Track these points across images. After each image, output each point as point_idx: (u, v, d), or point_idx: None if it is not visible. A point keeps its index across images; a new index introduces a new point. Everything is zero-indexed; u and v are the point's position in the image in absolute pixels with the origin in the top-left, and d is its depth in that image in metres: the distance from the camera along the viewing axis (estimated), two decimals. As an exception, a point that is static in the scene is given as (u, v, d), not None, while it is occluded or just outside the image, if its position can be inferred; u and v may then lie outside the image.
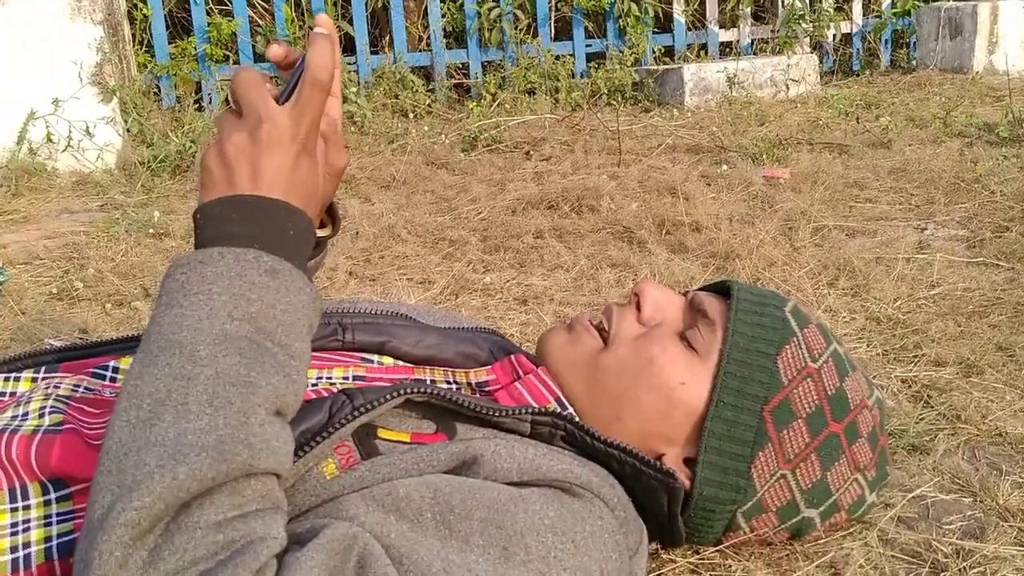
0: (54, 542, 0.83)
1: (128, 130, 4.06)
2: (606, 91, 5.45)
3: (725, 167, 3.51)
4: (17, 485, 0.86)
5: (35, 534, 0.84)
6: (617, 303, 1.11)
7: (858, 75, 6.31)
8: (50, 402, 0.97)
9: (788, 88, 5.32)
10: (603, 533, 0.88)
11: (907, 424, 1.53)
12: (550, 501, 0.87)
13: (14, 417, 0.96)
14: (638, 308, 1.08)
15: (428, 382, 1.02)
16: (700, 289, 1.16)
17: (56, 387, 1.02)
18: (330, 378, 1.02)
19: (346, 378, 1.02)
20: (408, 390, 0.91)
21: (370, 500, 0.82)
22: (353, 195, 3.41)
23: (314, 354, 1.05)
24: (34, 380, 1.06)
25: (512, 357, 1.05)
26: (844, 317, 2.01)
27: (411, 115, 5.15)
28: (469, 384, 1.04)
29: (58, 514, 0.85)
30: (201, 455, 0.67)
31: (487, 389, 1.03)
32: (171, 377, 0.72)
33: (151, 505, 0.65)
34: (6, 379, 1.12)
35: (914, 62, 6.35)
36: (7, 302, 2.48)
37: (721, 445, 1.01)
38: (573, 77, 5.75)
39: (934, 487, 1.36)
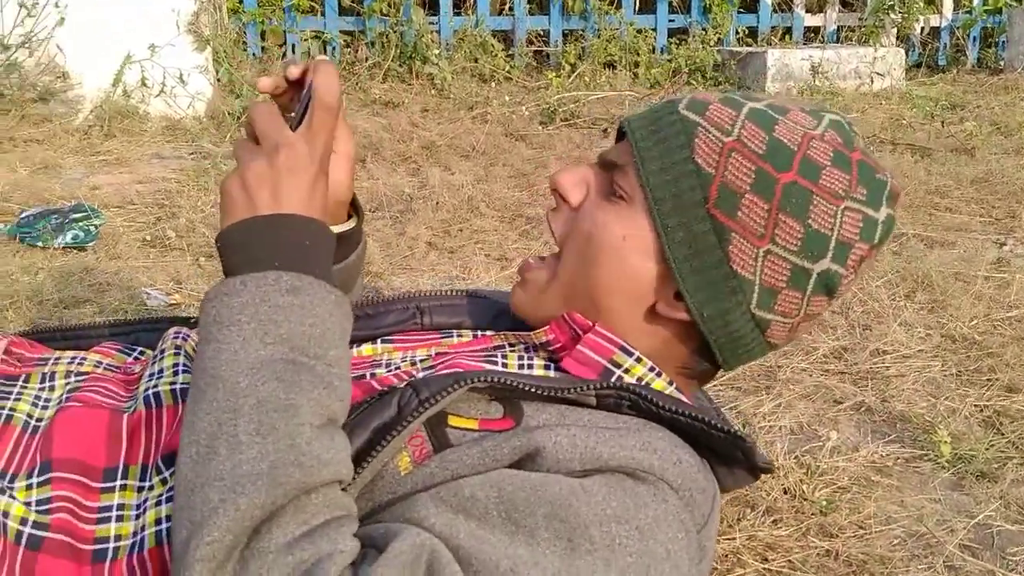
0: (163, 526, 0.87)
1: (219, 79, 4.16)
2: (687, 70, 5.42)
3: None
4: (151, 462, 0.92)
5: (149, 515, 0.88)
6: (550, 210, 1.08)
7: (944, 71, 6.18)
8: (182, 358, 1.03)
9: (872, 81, 5.24)
10: (667, 516, 0.89)
11: (977, 450, 1.56)
12: (613, 489, 0.88)
13: (151, 376, 1.02)
14: (565, 201, 1.05)
15: (501, 360, 1.04)
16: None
17: (186, 339, 1.07)
18: (414, 358, 1.06)
19: (429, 355, 1.06)
20: (470, 380, 0.91)
21: (439, 501, 0.85)
22: (434, 163, 3.46)
23: (396, 337, 1.11)
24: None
25: (565, 314, 1.02)
26: (920, 333, 2.03)
27: (490, 80, 5.18)
28: (537, 345, 1.05)
29: (168, 492, 0.89)
30: (257, 483, 0.73)
31: (551, 347, 1.03)
32: (219, 411, 0.77)
33: (221, 538, 0.71)
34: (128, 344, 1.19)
35: (1002, 63, 6.20)
36: (103, 245, 2.59)
37: (692, 264, 0.96)
38: (654, 52, 5.72)
39: (1000, 516, 1.39)
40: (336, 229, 1.05)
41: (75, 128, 3.68)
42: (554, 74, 5.16)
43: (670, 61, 5.53)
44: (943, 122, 4.16)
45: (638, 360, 0.99)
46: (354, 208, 1.10)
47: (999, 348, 1.94)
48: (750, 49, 5.55)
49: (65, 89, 3.78)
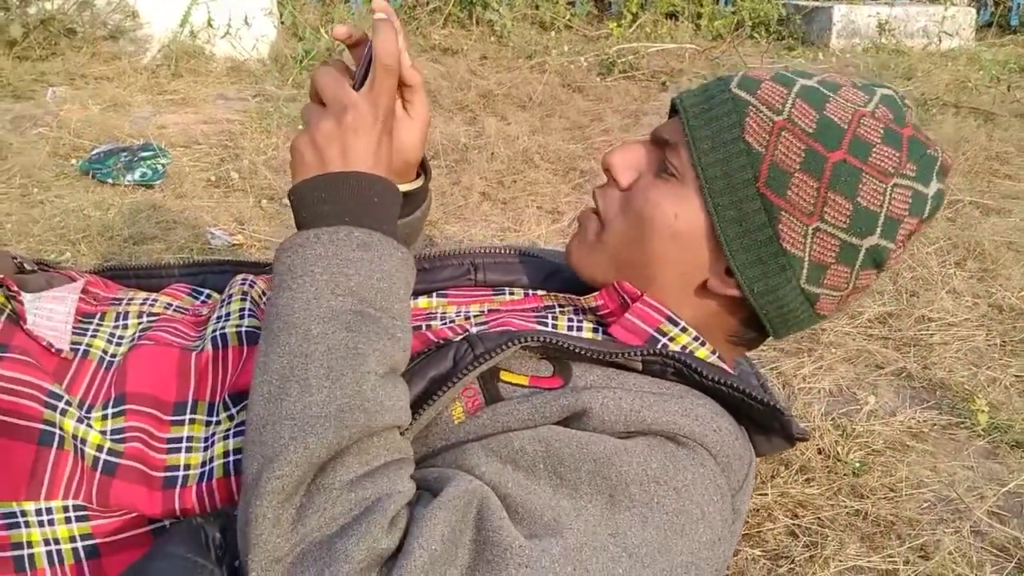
0: (231, 457, 0.95)
1: (282, 22, 4.21)
2: (750, 23, 5.35)
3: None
4: (217, 399, 0.99)
5: (217, 448, 0.96)
6: (598, 186, 1.11)
7: (1016, 32, 6.01)
8: (248, 304, 1.10)
9: (940, 41, 5.13)
10: (704, 480, 0.94)
11: (1014, 420, 1.58)
12: (654, 451, 0.93)
13: (219, 319, 1.09)
14: (615, 180, 1.09)
15: (551, 320, 1.08)
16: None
17: (252, 286, 1.14)
18: (468, 313, 1.12)
19: (482, 311, 1.11)
20: (523, 339, 0.96)
21: (489, 452, 0.91)
22: (490, 113, 3.50)
23: (451, 292, 1.17)
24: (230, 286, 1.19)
25: (616, 283, 1.07)
26: (967, 302, 2.04)
27: (550, 28, 5.16)
28: (586, 308, 1.08)
29: (236, 427, 0.97)
30: (325, 424, 0.79)
31: (600, 313, 1.07)
32: (291, 355, 0.84)
33: (290, 473, 0.78)
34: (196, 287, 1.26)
35: (1080, 25, 6.01)
36: (170, 183, 2.69)
37: (743, 242, 1.00)
38: (717, 3, 5.65)
39: (1031, 486, 1.42)
40: (404, 187, 1.10)
41: (143, 67, 3.77)
42: (615, 23, 5.13)
43: (734, 13, 5.45)
44: (1009, 86, 4.08)
45: (683, 330, 1.04)
46: (422, 168, 1.14)
47: (1046, 320, 1.95)
48: (816, 3, 5.45)
49: (134, 28, 3.86)
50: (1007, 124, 3.57)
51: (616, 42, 4.64)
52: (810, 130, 0.96)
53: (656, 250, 1.03)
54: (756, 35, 5.28)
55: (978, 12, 5.80)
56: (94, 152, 2.78)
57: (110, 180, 2.65)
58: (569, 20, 5.30)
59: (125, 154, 2.74)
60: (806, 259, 0.99)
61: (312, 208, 0.89)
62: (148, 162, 2.72)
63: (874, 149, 0.96)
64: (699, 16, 5.44)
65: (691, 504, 0.91)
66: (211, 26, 3.95)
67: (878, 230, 0.97)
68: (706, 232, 1.01)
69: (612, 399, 0.95)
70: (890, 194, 0.96)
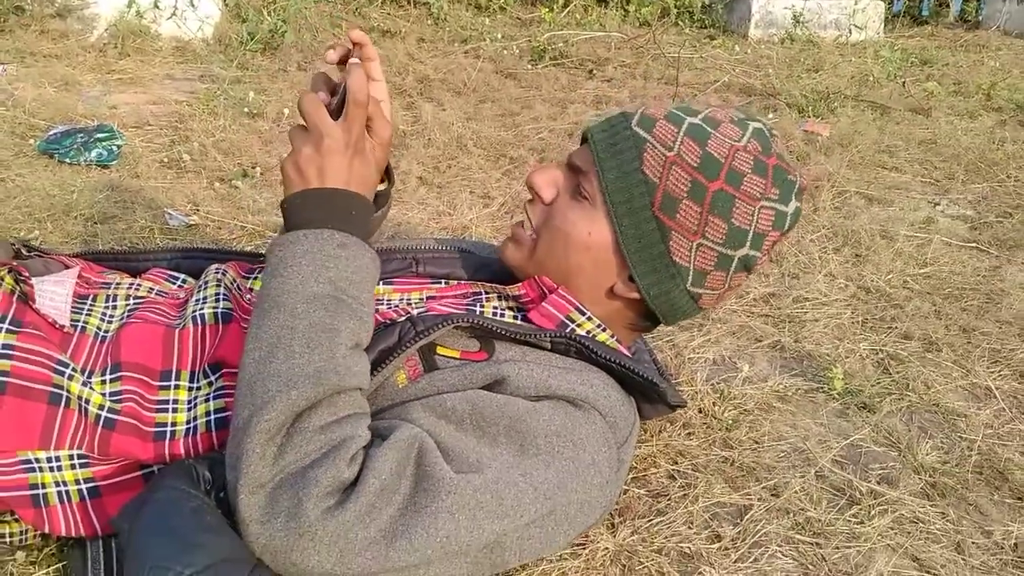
0: (211, 416, 1.17)
1: (226, 3, 4.36)
2: (675, 11, 5.62)
3: (772, 115, 3.78)
4: (198, 368, 1.21)
5: (199, 408, 1.18)
6: (528, 201, 1.34)
7: (925, 23, 6.40)
8: (222, 289, 1.31)
9: (851, 33, 5.46)
10: (595, 434, 1.19)
11: (864, 386, 1.89)
12: (557, 411, 1.17)
13: (197, 302, 1.30)
14: (539, 197, 1.32)
15: (479, 306, 1.32)
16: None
17: (224, 274, 1.35)
18: (409, 299, 1.36)
19: (421, 298, 1.35)
20: (456, 320, 1.19)
21: (427, 408, 1.13)
22: (427, 99, 3.72)
23: (396, 280, 1.40)
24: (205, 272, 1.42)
25: (537, 276, 1.30)
26: (840, 283, 2.35)
27: (485, 11, 5.37)
28: (509, 296, 1.32)
29: (215, 392, 1.19)
30: (305, 382, 1.01)
31: (522, 300, 1.31)
32: (280, 327, 1.05)
33: (276, 418, 0.99)
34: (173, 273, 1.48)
35: (980, 17, 6.41)
36: (125, 164, 2.86)
37: (641, 255, 1.23)
38: (645, -10, 5.91)
39: (869, 440, 1.73)
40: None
41: (91, 45, 3.90)
42: (547, 8, 5.35)
43: (661, 0, 5.72)
44: (904, 82, 4.43)
45: (589, 318, 1.28)
46: (387, 175, 1.35)
47: (904, 301, 2.27)
48: (737, -6, 5.75)
49: (82, 7, 3.99)
50: (900, 118, 3.91)
51: (548, 28, 4.87)
52: (695, 164, 1.19)
53: (573, 260, 1.27)
54: (681, 22, 5.56)
55: (891, 3, 6.15)
56: (51, 133, 2.93)
57: (68, 160, 2.81)
58: (503, 3, 5.50)
59: (82, 135, 2.90)
60: (691, 268, 1.23)
61: (301, 215, 1.11)
62: (104, 143, 2.88)
63: (745, 178, 1.19)
64: (628, 2, 5.69)
65: (584, 453, 1.16)
66: (157, 7, 4.09)
67: (748, 243, 1.22)
68: (613, 247, 1.24)
69: (526, 370, 1.19)
70: (758, 214, 1.20)
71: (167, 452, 1.15)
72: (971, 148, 3.52)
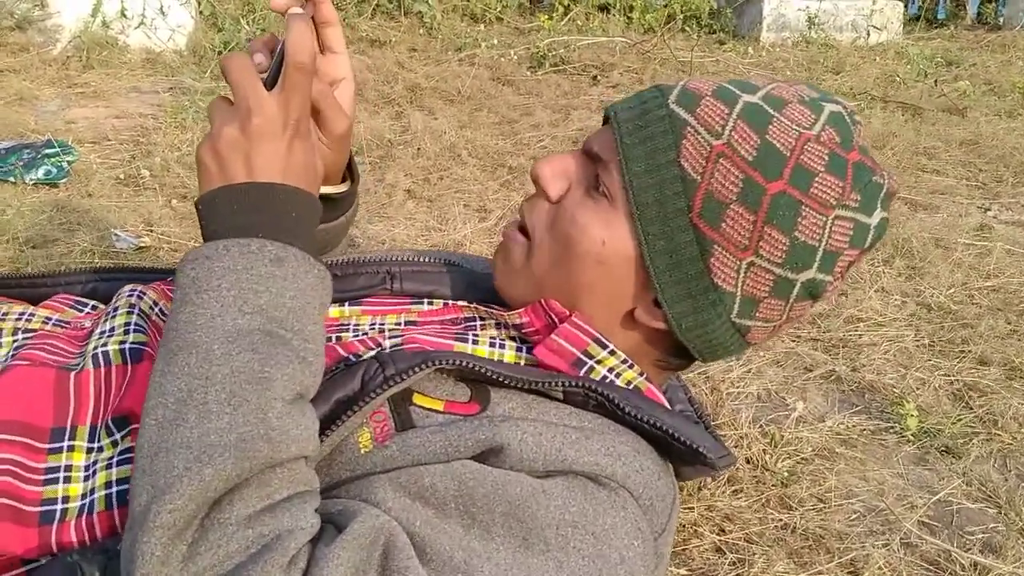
0: (114, 488, 0.86)
1: (201, 12, 4.06)
2: (682, 16, 5.33)
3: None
4: (100, 423, 0.90)
5: (99, 478, 0.87)
6: (527, 199, 1.03)
7: (943, 26, 6.11)
8: (135, 317, 1.00)
9: (869, 35, 5.17)
10: (625, 523, 0.88)
11: (943, 424, 1.55)
12: (573, 493, 0.87)
13: (102, 334, 0.99)
14: (544, 192, 1.00)
15: (472, 335, 1.00)
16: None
17: (141, 297, 1.05)
18: (383, 325, 1.03)
19: (398, 323, 1.03)
20: (438, 362, 0.89)
21: (398, 487, 0.84)
22: (417, 107, 3.41)
23: (367, 301, 1.08)
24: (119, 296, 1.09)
25: (543, 301, 0.99)
26: (896, 301, 2.02)
27: (481, 21, 5.08)
28: (509, 325, 1.01)
29: (119, 455, 0.88)
30: (224, 455, 0.71)
31: (525, 331, 1.00)
32: (191, 376, 0.75)
33: (183, 507, 0.70)
34: (80, 299, 1.16)
35: (1001, 19, 6.12)
36: (76, 182, 2.55)
37: (673, 275, 0.93)
38: (650, -4, 5.63)
39: (961, 493, 1.39)
40: (328, 190, 1.01)
41: (53, 58, 3.60)
42: (546, 16, 5.07)
43: (665, 6, 5.43)
44: (936, 81, 4.11)
45: (611, 352, 0.96)
46: (350, 170, 1.05)
47: (974, 319, 1.94)
48: (746, -3, 5.47)
49: (43, 18, 3.68)
50: (934, 119, 3.59)
51: (547, 35, 4.57)
52: (750, 157, 0.88)
53: (581, 276, 0.96)
54: (687, 28, 5.27)
55: (906, 6, 5.87)
56: (-6, 149, 2.63)
57: (11, 179, 2.51)
58: (500, 12, 5.22)
59: (28, 151, 2.60)
60: (738, 294, 0.92)
61: (221, 220, 0.81)
62: (52, 160, 2.58)
63: (816, 179, 0.88)
64: (631, 9, 5.40)
65: (609, 549, 0.85)
66: (125, 16, 3.79)
67: (815, 264, 0.90)
68: (635, 261, 0.94)
69: (532, 435, 0.88)
70: (830, 227, 0.89)
71: (53, 540, 0.84)
72: (1017, 148, 3.19)
